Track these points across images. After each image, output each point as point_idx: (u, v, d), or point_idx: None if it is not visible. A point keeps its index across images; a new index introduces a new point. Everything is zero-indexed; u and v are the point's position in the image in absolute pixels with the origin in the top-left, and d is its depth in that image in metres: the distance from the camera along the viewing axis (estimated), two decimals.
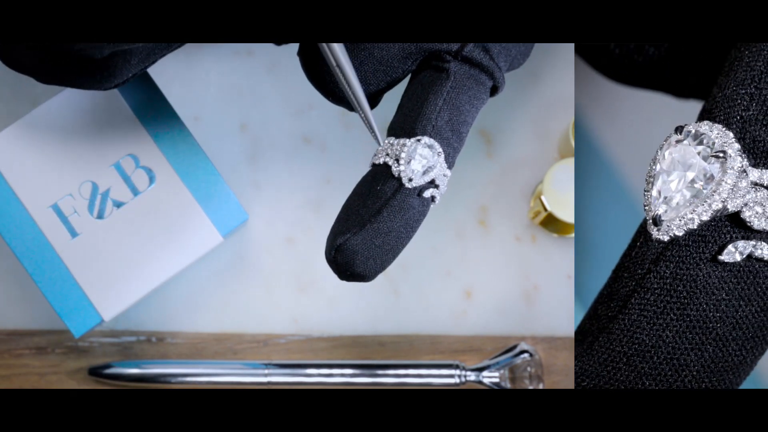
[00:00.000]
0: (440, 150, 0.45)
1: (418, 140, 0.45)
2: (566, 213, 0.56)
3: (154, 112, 0.53)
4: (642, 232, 0.42)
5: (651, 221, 0.41)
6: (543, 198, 0.56)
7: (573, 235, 0.59)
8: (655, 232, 0.40)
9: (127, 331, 0.57)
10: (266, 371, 0.56)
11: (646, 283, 0.41)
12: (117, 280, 0.52)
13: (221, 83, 0.59)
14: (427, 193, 0.45)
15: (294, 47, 0.51)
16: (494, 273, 0.59)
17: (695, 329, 0.41)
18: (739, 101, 0.41)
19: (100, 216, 0.52)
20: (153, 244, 0.52)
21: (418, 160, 0.44)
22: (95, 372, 0.56)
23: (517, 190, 0.59)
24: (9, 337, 0.57)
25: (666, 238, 0.40)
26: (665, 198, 0.41)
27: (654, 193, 0.41)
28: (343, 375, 0.56)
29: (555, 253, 0.59)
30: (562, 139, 0.59)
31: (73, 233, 0.52)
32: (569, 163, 0.56)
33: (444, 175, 0.45)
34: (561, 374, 0.58)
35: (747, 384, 0.69)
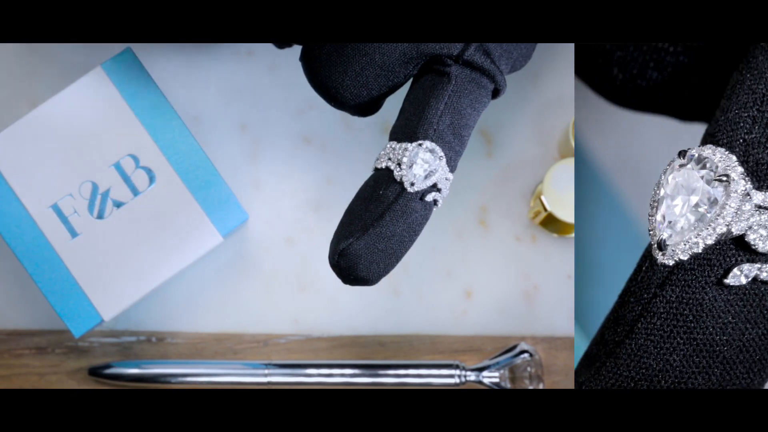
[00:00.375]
0: (442, 154, 0.45)
1: (420, 145, 0.45)
2: (566, 213, 0.56)
3: (154, 112, 0.53)
4: (647, 256, 0.43)
5: (656, 246, 0.41)
6: (543, 198, 0.56)
7: (573, 235, 0.59)
8: (660, 257, 0.41)
9: (127, 331, 0.57)
10: (266, 371, 0.56)
11: (652, 308, 0.41)
12: (117, 280, 0.52)
13: (221, 83, 0.59)
14: (429, 197, 0.45)
15: (295, 47, 0.51)
16: (494, 273, 0.59)
17: (702, 353, 0.41)
18: (742, 124, 0.41)
19: (100, 216, 0.52)
20: (153, 244, 0.52)
21: (420, 164, 0.45)
22: (95, 372, 0.56)
23: (517, 190, 0.59)
24: (9, 337, 0.57)
25: (671, 263, 0.40)
26: (669, 222, 0.41)
27: (658, 217, 0.41)
28: (343, 375, 0.56)
29: (555, 253, 0.59)
30: (562, 139, 0.59)
31: (73, 233, 0.52)
32: (569, 163, 0.56)
33: (446, 179, 0.45)
34: (561, 374, 0.58)
35: None
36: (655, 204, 0.41)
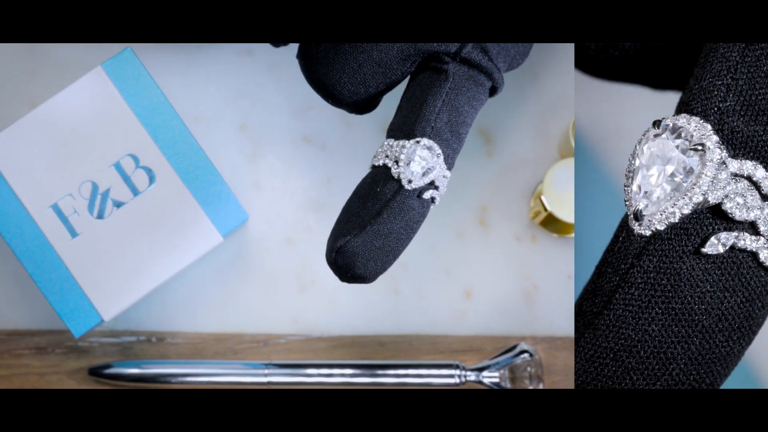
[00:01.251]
0: (439, 151, 0.45)
1: (417, 142, 0.45)
2: (566, 213, 0.56)
3: (154, 112, 0.53)
4: (624, 226, 0.42)
5: (632, 216, 0.41)
6: (543, 198, 0.56)
7: (573, 235, 0.59)
8: (636, 227, 0.40)
9: (127, 331, 0.57)
10: (266, 371, 0.56)
11: (630, 278, 0.41)
12: (117, 280, 0.52)
13: (221, 83, 0.59)
14: (426, 195, 0.45)
15: (294, 46, 0.51)
16: (494, 273, 0.59)
17: (681, 322, 0.41)
18: (716, 92, 0.41)
19: (100, 216, 0.52)
20: (153, 244, 0.52)
21: (418, 161, 0.45)
22: (95, 372, 0.56)
23: (517, 190, 0.59)
24: (9, 337, 0.57)
25: (648, 233, 0.40)
26: (645, 192, 0.41)
27: (634, 187, 0.41)
28: (343, 375, 0.56)
29: (555, 253, 0.59)
30: (562, 139, 0.59)
31: (73, 233, 0.52)
32: (569, 163, 0.56)
33: (444, 176, 0.45)
34: (561, 374, 0.58)
35: (746, 383, 0.69)
36: (631, 174, 0.41)
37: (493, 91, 0.48)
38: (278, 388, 0.56)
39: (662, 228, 0.40)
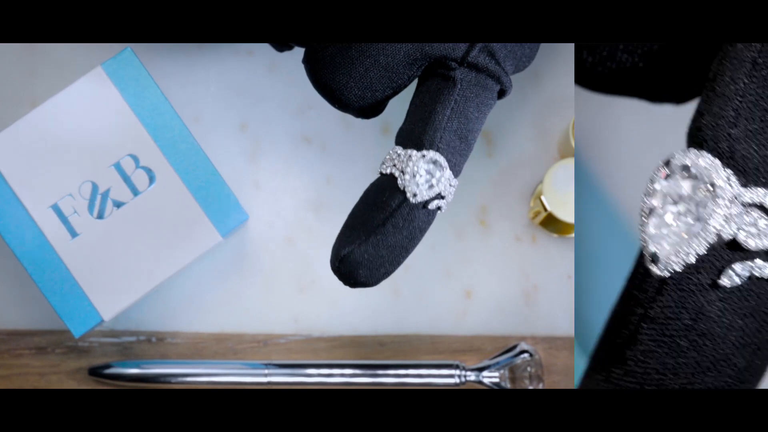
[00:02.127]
0: (445, 164, 0.45)
1: (423, 156, 0.45)
2: (566, 213, 0.56)
3: (154, 112, 0.53)
4: (642, 259, 0.43)
5: (649, 258, 0.41)
6: (543, 198, 0.56)
7: (573, 235, 0.59)
8: (654, 270, 0.41)
9: (127, 331, 0.57)
10: (266, 371, 0.56)
11: (652, 313, 0.42)
12: (117, 280, 0.52)
13: (221, 83, 0.59)
14: (432, 205, 0.45)
15: (296, 49, 0.51)
16: (494, 273, 0.59)
17: (705, 355, 0.41)
18: (726, 118, 0.41)
19: (100, 216, 0.52)
20: (153, 244, 0.52)
21: (423, 175, 0.45)
22: (95, 372, 0.56)
23: (517, 190, 0.59)
24: (9, 337, 0.57)
25: (666, 274, 0.41)
26: (660, 233, 0.41)
27: (650, 229, 0.41)
28: (343, 375, 0.56)
29: (555, 253, 0.59)
30: (562, 139, 0.59)
31: (73, 233, 0.52)
32: (569, 163, 0.56)
33: (450, 185, 0.45)
34: (561, 374, 0.58)
35: None
36: (644, 214, 0.41)
37: (501, 94, 0.48)
38: (278, 388, 0.56)
39: (679, 269, 0.41)
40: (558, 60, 0.60)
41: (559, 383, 0.58)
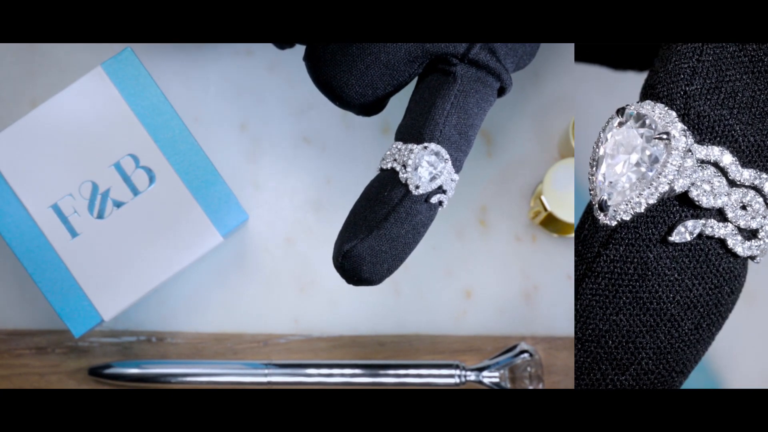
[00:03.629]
0: (447, 156, 0.45)
1: (425, 147, 0.45)
2: (566, 213, 0.56)
3: (154, 112, 0.53)
4: (589, 213, 0.42)
5: (597, 206, 0.40)
6: (543, 198, 0.56)
7: (573, 235, 0.59)
8: (601, 217, 0.40)
9: (127, 331, 0.57)
10: (266, 371, 0.56)
11: (597, 267, 0.41)
12: (117, 280, 0.52)
13: (221, 83, 0.59)
14: (434, 199, 0.45)
15: (296, 47, 0.51)
16: (494, 273, 0.59)
17: (648, 311, 0.40)
18: (682, 75, 0.40)
19: (100, 216, 0.52)
20: (153, 244, 0.52)
21: (425, 167, 0.44)
22: (95, 372, 0.56)
23: (517, 190, 0.59)
24: (9, 337, 0.57)
25: (613, 223, 0.40)
26: (610, 182, 0.40)
27: (599, 177, 0.40)
28: (343, 375, 0.56)
29: (555, 253, 0.59)
30: (562, 139, 0.59)
31: (73, 233, 0.52)
32: (569, 163, 0.56)
33: (452, 180, 0.45)
34: (561, 374, 0.58)
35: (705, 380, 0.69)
36: (595, 163, 0.41)
37: (501, 91, 0.48)
38: (278, 388, 0.56)
39: (628, 218, 0.40)
40: (558, 60, 0.60)
41: (559, 383, 0.58)
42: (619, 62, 0.48)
